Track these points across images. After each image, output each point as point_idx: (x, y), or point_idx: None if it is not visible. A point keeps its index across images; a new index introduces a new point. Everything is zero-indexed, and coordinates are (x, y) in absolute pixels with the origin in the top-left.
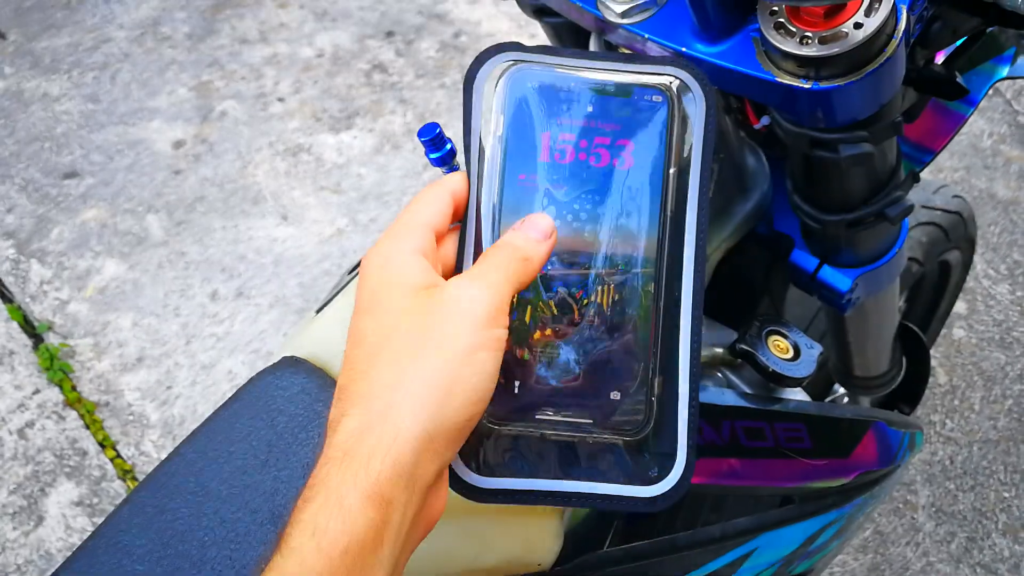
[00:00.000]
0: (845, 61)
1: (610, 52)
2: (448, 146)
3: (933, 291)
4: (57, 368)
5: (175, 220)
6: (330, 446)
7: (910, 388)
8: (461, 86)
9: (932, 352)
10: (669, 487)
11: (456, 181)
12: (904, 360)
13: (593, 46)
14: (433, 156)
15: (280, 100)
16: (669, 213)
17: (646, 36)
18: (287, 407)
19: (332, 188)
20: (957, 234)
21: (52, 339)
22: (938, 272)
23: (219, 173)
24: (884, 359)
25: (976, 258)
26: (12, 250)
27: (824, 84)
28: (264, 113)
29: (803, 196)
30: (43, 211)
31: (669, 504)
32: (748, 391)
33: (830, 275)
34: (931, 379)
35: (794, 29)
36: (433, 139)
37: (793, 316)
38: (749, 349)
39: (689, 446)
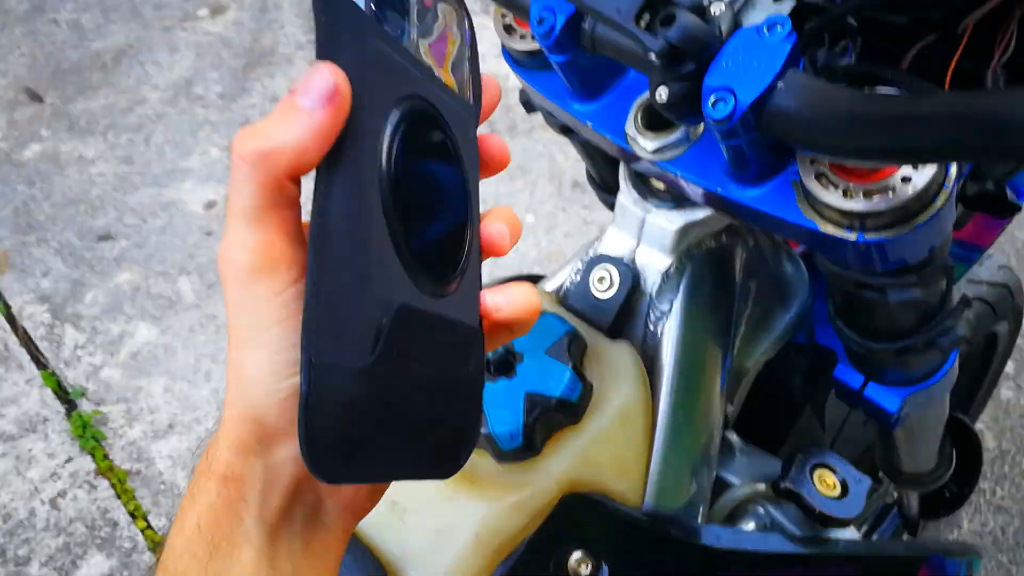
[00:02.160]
0: (893, 215)
1: None
2: None
3: (979, 362)
4: (89, 435)
5: (206, 282)
6: None
7: (960, 475)
8: None
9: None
10: None
11: None
12: (954, 454)
13: (623, 173)
14: None
15: None
16: None
17: (678, 174)
18: None
19: None
20: (1004, 306)
21: (85, 405)
22: (984, 344)
23: None
24: (933, 457)
25: None
26: (47, 315)
27: (871, 236)
28: None
29: (846, 322)
30: (78, 275)
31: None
32: (793, 530)
33: (877, 394)
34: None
35: (836, 180)
36: None
37: (834, 405)
38: (794, 489)
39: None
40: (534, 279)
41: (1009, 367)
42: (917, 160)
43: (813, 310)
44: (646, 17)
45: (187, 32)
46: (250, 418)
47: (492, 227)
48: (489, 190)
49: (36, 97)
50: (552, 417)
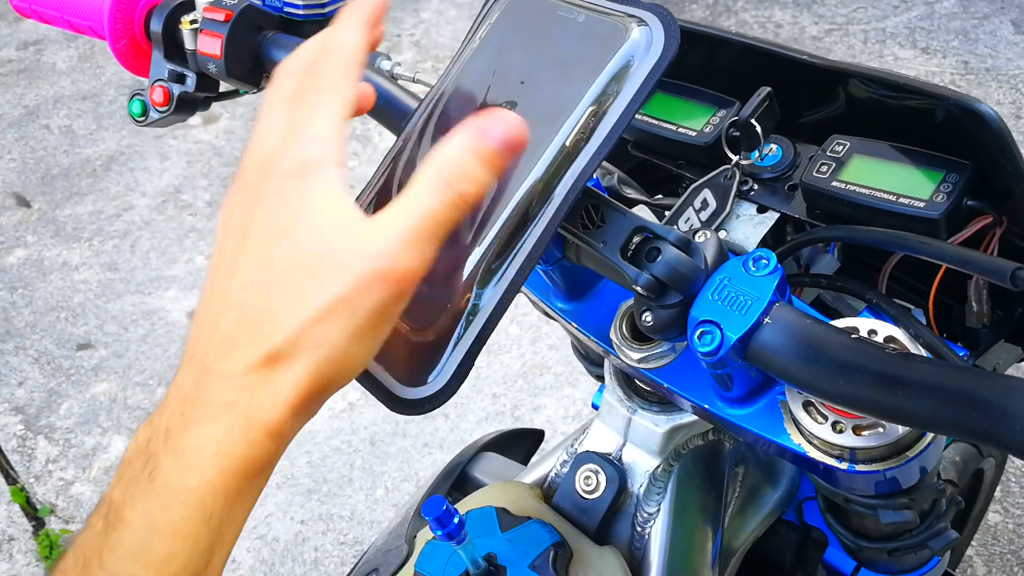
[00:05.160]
0: (884, 449)
1: None
2: (456, 519)
3: (967, 498)
4: (56, 557)
5: None
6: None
7: None
8: None
9: None
10: (420, 396)
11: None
12: None
13: (608, 368)
14: (439, 533)
15: None
16: (566, 146)
17: (665, 385)
18: None
19: None
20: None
21: (54, 523)
22: (971, 481)
23: None
24: None
25: None
26: (20, 426)
27: (861, 468)
28: None
29: (836, 520)
30: (54, 384)
31: (410, 411)
32: None
33: None
34: (969, 571)
35: (826, 412)
36: (439, 517)
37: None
38: None
39: (462, 363)
40: (536, 433)
41: (996, 491)
42: (901, 423)
43: (801, 486)
44: (632, 248)
45: (178, 140)
46: None
47: None
48: None
49: (24, 202)
50: None
